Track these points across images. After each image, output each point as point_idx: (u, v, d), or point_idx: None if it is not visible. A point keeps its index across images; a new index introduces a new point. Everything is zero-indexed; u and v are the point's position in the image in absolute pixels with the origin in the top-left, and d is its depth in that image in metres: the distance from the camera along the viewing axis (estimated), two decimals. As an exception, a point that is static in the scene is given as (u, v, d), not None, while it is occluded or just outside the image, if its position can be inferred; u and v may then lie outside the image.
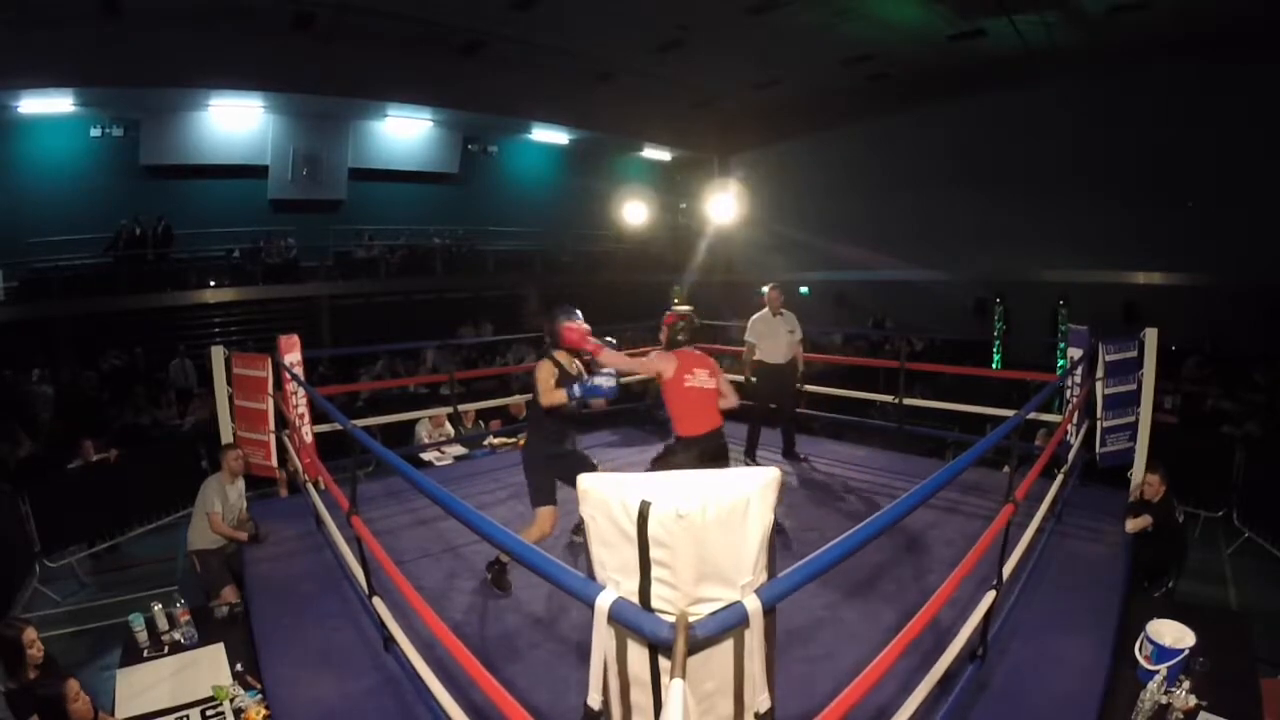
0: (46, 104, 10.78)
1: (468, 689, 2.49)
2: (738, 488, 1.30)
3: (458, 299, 13.97)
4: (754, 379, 5.66)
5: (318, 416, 5.26)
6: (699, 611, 1.26)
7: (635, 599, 1.29)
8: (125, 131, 11.85)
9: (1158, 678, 2.62)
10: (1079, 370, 4.76)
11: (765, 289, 5.78)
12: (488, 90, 12.64)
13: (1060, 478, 3.99)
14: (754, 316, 5.72)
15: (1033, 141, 12.24)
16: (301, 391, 5.08)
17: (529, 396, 3.86)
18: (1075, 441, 4.65)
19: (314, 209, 13.50)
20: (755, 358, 5.65)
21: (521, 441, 3.81)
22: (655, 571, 1.27)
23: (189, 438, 7.49)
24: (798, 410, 6.11)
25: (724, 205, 8.36)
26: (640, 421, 7.23)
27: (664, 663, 1.27)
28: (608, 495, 1.33)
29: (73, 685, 2.74)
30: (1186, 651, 2.68)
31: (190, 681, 3.07)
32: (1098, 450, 4.64)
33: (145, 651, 3.37)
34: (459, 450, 6.50)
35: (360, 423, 3.40)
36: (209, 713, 2.85)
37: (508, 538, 1.74)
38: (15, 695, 2.80)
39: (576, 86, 13.27)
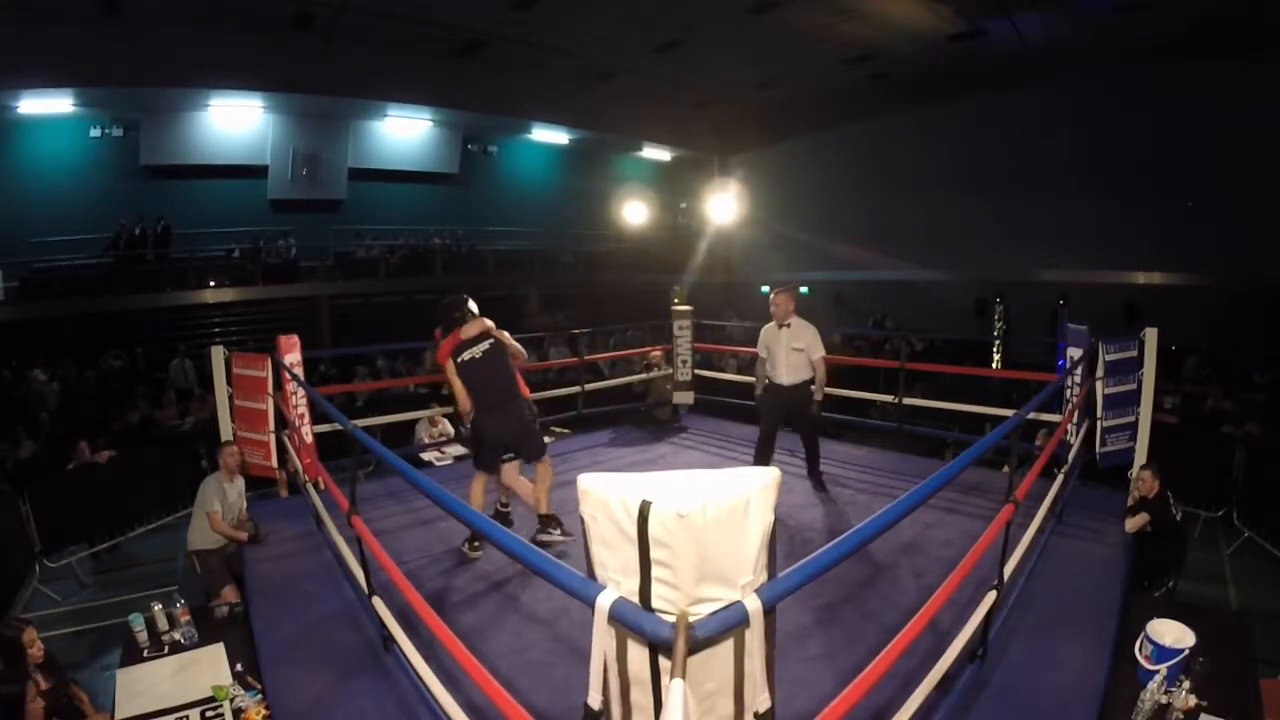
0: (46, 104, 10.80)
1: (468, 689, 2.49)
2: (738, 488, 1.30)
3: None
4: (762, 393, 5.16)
5: (318, 416, 5.26)
6: (699, 611, 1.26)
7: (635, 599, 1.29)
8: (125, 132, 11.87)
9: (1158, 678, 2.61)
10: (1079, 370, 4.76)
11: (769, 292, 5.06)
12: (488, 90, 12.65)
13: (1060, 478, 3.99)
14: (765, 326, 5.10)
15: (1033, 141, 12.25)
16: (301, 392, 5.07)
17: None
18: (1075, 441, 4.65)
19: (314, 209, 13.51)
20: (765, 373, 5.10)
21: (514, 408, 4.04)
22: (655, 571, 1.27)
23: (189, 438, 7.49)
24: (818, 433, 5.21)
25: (724, 205, 8.36)
26: (640, 421, 7.23)
27: (664, 663, 1.27)
28: (608, 495, 1.33)
29: (31, 687, 2.75)
30: (1186, 651, 2.68)
31: (190, 681, 3.06)
32: (1098, 450, 4.64)
33: (145, 651, 3.36)
34: (459, 450, 6.50)
35: (360, 423, 3.40)
36: (209, 713, 2.85)
37: (507, 537, 1.75)
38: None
39: (576, 86, 13.28)
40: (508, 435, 3.96)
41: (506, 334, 4.07)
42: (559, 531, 3.95)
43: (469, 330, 3.94)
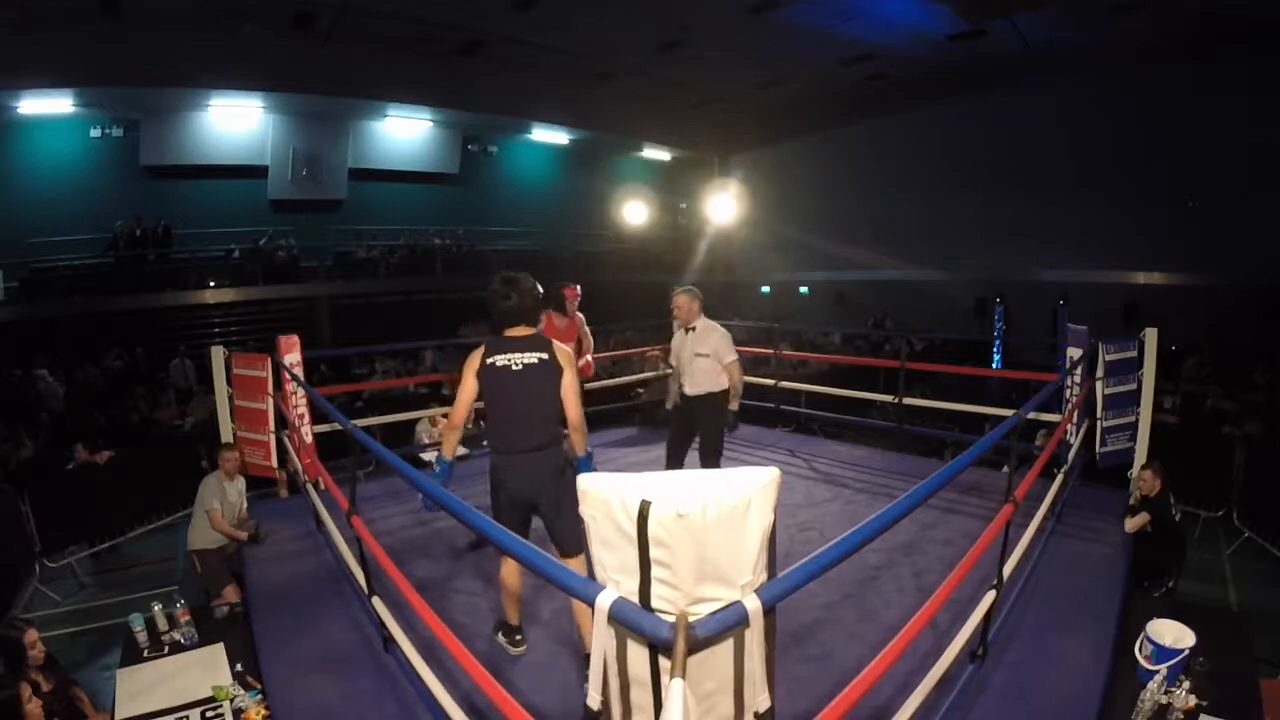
0: (46, 104, 10.80)
1: (468, 689, 2.50)
2: (738, 488, 1.30)
3: (458, 299, 13.98)
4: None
5: (318, 416, 5.26)
6: (699, 611, 1.25)
7: (635, 599, 1.29)
8: (125, 132, 11.87)
9: (1158, 678, 2.62)
10: (1079, 370, 4.76)
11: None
12: (488, 90, 12.65)
13: (1060, 478, 3.99)
14: (676, 333, 4.62)
15: (1033, 141, 12.26)
16: (301, 392, 5.08)
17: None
18: (1075, 441, 4.65)
19: (314, 209, 13.52)
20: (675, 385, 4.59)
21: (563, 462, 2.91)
22: (655, 571, 1.26)
23: (189, 438, 7.49)
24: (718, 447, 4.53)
25: (724, 205, 8.35)
26: (641, 421, 7.23)
27: (664, 662, 1.27)
28: (608, 495, 1.33)
29: (25, 689, 2.74)
30: (1186, 651, 2.68)
31: (190, 681, 3.06)
32: (1098, 450, 4.64)
33: (145, 651, 3.36)
34: (459, 450, 6.48)
35: (360, 423, 3.39)
36: (209, 713, 2.85)
37: (507, 538, 1.74)
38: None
39: (576, 86, 13.28)
40: (534, 493, 2.78)
41: (568, 353, 2.86)
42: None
43: (519, 329, 2.85)
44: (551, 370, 2.78)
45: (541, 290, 2.98)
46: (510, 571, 2.91)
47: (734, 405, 4.42)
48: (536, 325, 2.92)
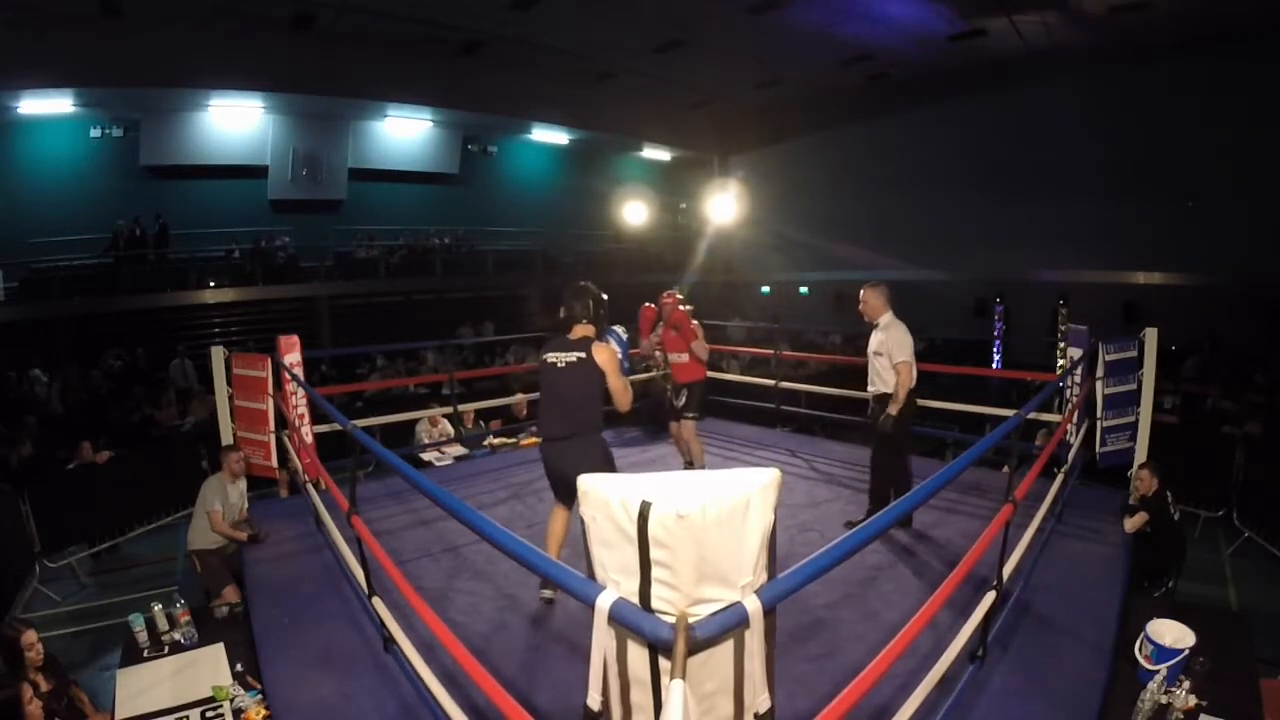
0: (46, 104, 10.78)
1: (468, 689, 2.49)
2: (738, 488, 1.30)
3: (458, 299, 13.98)
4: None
5: (318, 417, 5.26)
6: (699, 612, 1.26)
7: (635, 599, 1.29)
8: (125, 132, 11.85)
9: (1158, 678, 2.61)
10: (1079, 370, 4.76)
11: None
12: (488, 90, 12.65)
13: (1060, 478, 3.99)
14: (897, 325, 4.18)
15: (1033, 141, 12.26)
16: (301, 392, 5.08)
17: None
18: (1075, 441, 4.65)
19: (314, 209, 13.50)
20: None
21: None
22: (655, 572, 1.27)
23: (189, 438, 7.49)
24: (890, 454, 4.33)
25: (724, 205, 8.36)
26: (642, 422, 7.22)
27: (664, 663, 1.27)
28: (608, 495, 1.33)
29: (25, 689, 2.74)
30: (1186, 651, 2.68)
31: (190, 681, 3.06)
32: (1098, 450, 4.64)
33: (145, 651, 3.36)
34: (459, 450, 6.50)
35: (360, 423, 3.39)
36: (209, 713, 2.85)
37: (507, 538, 1.74)
38: None
39: (576, 86, 13.28)
40: (557, 478, 3.31)
41: (608, 354, 3.23)
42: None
43: (575, 330, 3.33)
44: (588, 368, 3.17)
45: (603, 297, 3.40)
46: (557, 520, 3.41)
47: (892, 410, 4.07)
48: (595, 328, 3.35)
